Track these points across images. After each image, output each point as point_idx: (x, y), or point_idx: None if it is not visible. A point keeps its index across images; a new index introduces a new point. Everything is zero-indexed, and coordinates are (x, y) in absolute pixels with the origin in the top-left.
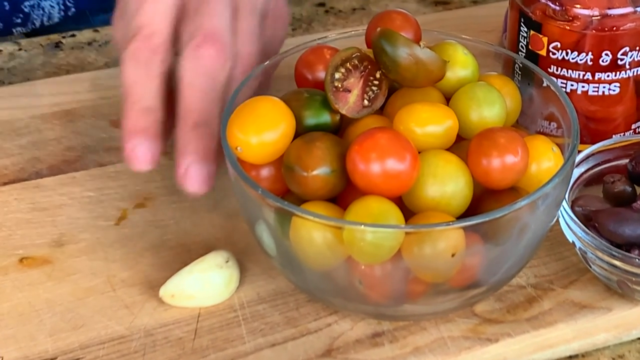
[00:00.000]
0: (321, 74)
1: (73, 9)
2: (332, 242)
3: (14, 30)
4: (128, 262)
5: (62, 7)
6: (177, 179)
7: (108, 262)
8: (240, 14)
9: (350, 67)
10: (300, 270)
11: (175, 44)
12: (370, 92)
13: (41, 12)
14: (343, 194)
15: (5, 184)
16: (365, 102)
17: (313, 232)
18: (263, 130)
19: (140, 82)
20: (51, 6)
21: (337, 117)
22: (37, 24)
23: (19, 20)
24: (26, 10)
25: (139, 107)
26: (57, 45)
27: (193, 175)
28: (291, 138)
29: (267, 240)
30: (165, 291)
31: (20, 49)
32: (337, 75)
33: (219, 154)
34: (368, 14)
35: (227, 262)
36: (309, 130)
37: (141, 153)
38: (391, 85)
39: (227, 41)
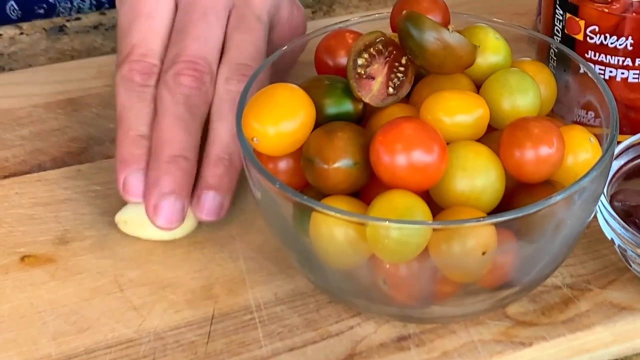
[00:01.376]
0: (343, 60)
1: (107, 5)
2: (354, 239)
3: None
4: (137, 261)
5: (94, 1)
6: (146, 212)
7: (115, 261)
8: (240, 25)
9: (374, 53)
10: (320, 269)
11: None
12: (396, 79)
13: (69, 4)
14: (366, 188)
15: (5, 177)
16: (390, 89)
17: (334, 228)
18: (281, 120)
19: (133, 108)
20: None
21: (360, 106)
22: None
23: (41, 11)
24: (51, 0)
25: (132, 135)
26: (61, 29)
27: (164, 211)
28: (311, 128)
29: (286, 237)
30: (120, 217)
31: (21, 33)
32: (360, 61)
33: (191, 189)
34: None
35: None
36: (329, 119)
37: (134, 184)
38: (418, 71)
39: (207, 68)
